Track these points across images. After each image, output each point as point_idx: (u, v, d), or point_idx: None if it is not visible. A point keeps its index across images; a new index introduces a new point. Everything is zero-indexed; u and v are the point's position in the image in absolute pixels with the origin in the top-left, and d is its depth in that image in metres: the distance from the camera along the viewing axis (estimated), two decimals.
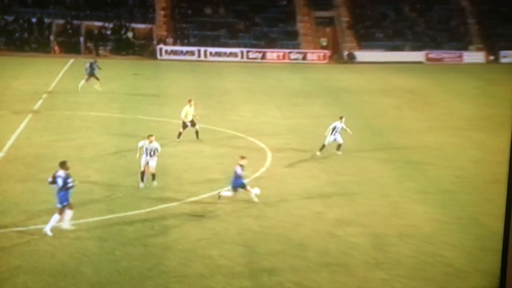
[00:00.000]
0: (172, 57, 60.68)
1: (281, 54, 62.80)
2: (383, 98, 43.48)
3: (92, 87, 41.03)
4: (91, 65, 41.88)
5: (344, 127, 28.40)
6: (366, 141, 28.87)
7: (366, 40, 65.29)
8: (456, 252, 18.86)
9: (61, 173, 19.28)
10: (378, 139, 31.54)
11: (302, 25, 66.66)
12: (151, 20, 64.08)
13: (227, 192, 22.02)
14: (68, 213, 19.33)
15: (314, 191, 23.79)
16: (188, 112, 29.83)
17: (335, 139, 28.18)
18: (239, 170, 21.59)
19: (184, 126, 29.91)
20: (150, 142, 23.37)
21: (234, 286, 16.41)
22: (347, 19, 67.19)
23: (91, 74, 41.47)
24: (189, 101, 30.33)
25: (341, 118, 28.55)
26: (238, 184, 21.68)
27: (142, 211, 20.74)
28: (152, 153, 23.25)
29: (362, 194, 23.73)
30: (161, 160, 24.40)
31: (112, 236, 19.20)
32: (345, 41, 65.48)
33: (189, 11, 65.28)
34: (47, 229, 18.93)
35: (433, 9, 68.41)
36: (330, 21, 67.57)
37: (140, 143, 23.44)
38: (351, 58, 63.12)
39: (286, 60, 62.32)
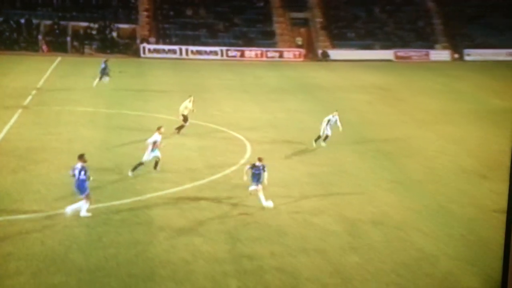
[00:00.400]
0: (155, 55, 60.39)
1: (259, 52, 62.73)
2: (355, 94, 43.58)
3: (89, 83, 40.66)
4: (105, 64, 42.02)
5: (338, 121, 28.53)
6: (340, 134, 28.85)
7: (339, 39, 65.41)
8: (425, 237, 18.94)
9: (78, 165, 19.37)
10: (352, 132, 31.55)
11: (278, 26, 66.66)
12: (135, 21, 63.92)
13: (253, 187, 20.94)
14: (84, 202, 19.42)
15: (292, 182, 23.78)
16: (187, 106, 29.89)
17: (325, 131, 28.41)
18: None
19: (185, 119, 29.79)
20: (160, 133, 23.68)
21: (216, 270, 16.34)
22: (320, 20, 67.28)
23: (104, 73, 41.49)
24: (189, 96, 30.52)
25: (335, 112, 28.73)
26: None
27: (128, 200, 20.58)
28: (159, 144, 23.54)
29: (337, 184, 23.78)
30: (145, 152, 24.16)
31: (99, 224, 19.02)
32: (319, 40, 65.55)
33: (171, 12, 65.07)
34: (69, 210, 19.23)
35: (402, 10, 68.74)
36: (304, 22, 67.63)
37: (157, 137, 23.38)
38: (325, 56, 63.19)
39: (264, 58, 62.24)
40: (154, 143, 23.43)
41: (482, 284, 16.17)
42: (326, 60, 62.49)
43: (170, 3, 65.67)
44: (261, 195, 20.52)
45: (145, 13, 65.14)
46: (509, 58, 63.76)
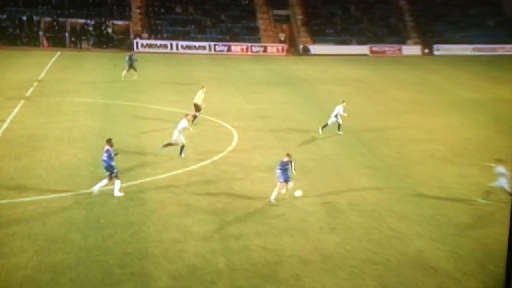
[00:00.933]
0: (147, 49, 59.91)
1: (244, 47, 62.48)
2: (334, 86, 43.53)
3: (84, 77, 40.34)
4: (130, 57, 41.72)
5: (342, 111, 28.63)
6: (321, 123, 28.86)
7: (319, 35, 65.28)
8: (398, 218, 19.08)
9: (106, 148, 19.66)
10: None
11: (262, 22, 66.42)
12: (128, 17, 63.48)
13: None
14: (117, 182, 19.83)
15: (275, 167, 23.78)
16: (200, 97, 29.85)
17: (336, 120, 28.59)
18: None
19: (197, 109, 29.61)
20: (188, 120, 24.14)
21: (205, 249, 16.36)
22: (301, 17, 67.08)
23: (131, 66, 41.23)
24: (202, 87, 30.60)
25: (342, 102, 29.00)
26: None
27: (123, 185, 20.46)
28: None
29: (317, 169, 23.83)
30: (139, 140, 24.14)
31: (96, 207, 18.97)
32: (300, 36, 65.38)
33: (162, 10, 64.73)
34: (96, 188, 19.63)
35: (375, 8, 68.72)
36: (286, 19, 67.40)
37: (185, 123, 23.81)
38: (306, 51, 63.07)
39: (249, 53, 62.02)
40: (183, 129, 23.71)
41: (451, 261, 16.30)
42: (307, 55, 62.37)
43: (160, 0, 65.28)
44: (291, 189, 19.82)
45: (138, 10, 64.71)
46: (474, 53, 64.07)
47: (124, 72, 41.15)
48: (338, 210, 19.47)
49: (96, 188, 19.75)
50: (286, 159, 19.74)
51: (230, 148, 25.97)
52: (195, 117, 29.16)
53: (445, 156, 26.19)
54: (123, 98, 35.83)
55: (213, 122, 30.76)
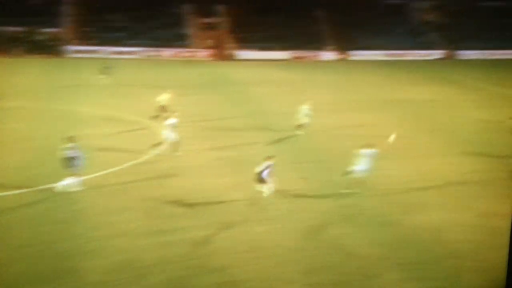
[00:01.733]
0: (79, 55, 58.32)
1: (174, 52, 61.77)
2: (260, 88, 43.48)
3: None
4: (105, 66, 41.97)
5: (309, 111, 28.56)
6: (248, 122, 28.71)
7: (245, 41, 65.27)
8: (316, 202, 19.41)
9: (69, 145, 19.29)
10: (258, 120, 31.53)
11: (192, 29, 65.92)
12: (59, 25, 61.64)
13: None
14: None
15: (206, 164, 23.47)
16: (164, 99, 30.07)
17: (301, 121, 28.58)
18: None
19: (162, 110, 29.25)
20: (176, 117, 24.32)
21: (136, 245, 15.92)
22: (228, 24, 66.95)
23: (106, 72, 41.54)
24: (166, 91, 30.62)
25: (308, 102, 28.90)
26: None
27: (58, 184, 19.60)
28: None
29: (244, 164, 23.52)
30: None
31: (34, 204, 18.29)
32: (228, 42, 65.22)
33: (93, 17, 63.17)
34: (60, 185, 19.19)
35: (294, 17, 69.15)
36: (215, 26, 67.11)
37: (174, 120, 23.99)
38: (233, 56, 62.93)
39: (179, 58, 61.30)
40: (172, 125, 23.76)
41: (367, 248, 16.35)
42: (234, 60, 62.22)
43: (92, 8, 63.64)
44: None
45: (69, 17, 63.00)
46: (387, 58, 65.60)
47: (103, 77, 40.94)
48: (265, 201, 19.19)
49: (61, 185, 19.32)
50: (267, 162, 18.79)
51: (162, 147, 25.33)
52: (157, 117, 29.09)
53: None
54: (54, 101, 34.55)
55: (147, 122, 30.01)
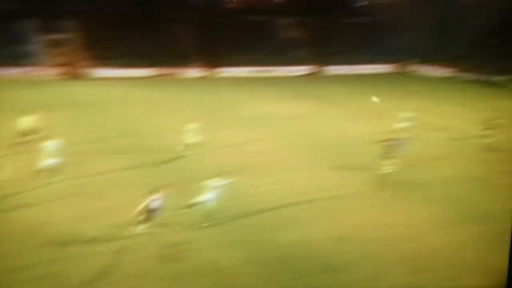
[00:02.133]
0: None
1: (22, 71, 59.78)
2: (119, 108, 43.30)
3: None
4: None
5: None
6: (114, 144, 28.58)
7: (101, 58, 64.41)
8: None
9: None
10: (125, 142, 31.56)
11: (39, 46, 64.08)
12: None
13: None
14: None
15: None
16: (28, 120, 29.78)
17: None
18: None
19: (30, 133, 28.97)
20: None
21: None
22: (82, 40, 65.87)
23: None
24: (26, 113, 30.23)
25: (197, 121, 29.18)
26: None
27: None
28: None
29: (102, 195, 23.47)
30: None
31: None
32: (82, 59, 64.10)
33: None
34: None
35: (159, 32, 69.49)
36: (65, 42, 65.66)
37: None
38: (88, 74, 61.95)
39: (27, 76, 59.24)
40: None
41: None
42: (90, 79, 61.25)
43: None
44: None
45: None
46: (254, 75, 67.58)
47: None
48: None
49: None
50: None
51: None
52: None
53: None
54: None
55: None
